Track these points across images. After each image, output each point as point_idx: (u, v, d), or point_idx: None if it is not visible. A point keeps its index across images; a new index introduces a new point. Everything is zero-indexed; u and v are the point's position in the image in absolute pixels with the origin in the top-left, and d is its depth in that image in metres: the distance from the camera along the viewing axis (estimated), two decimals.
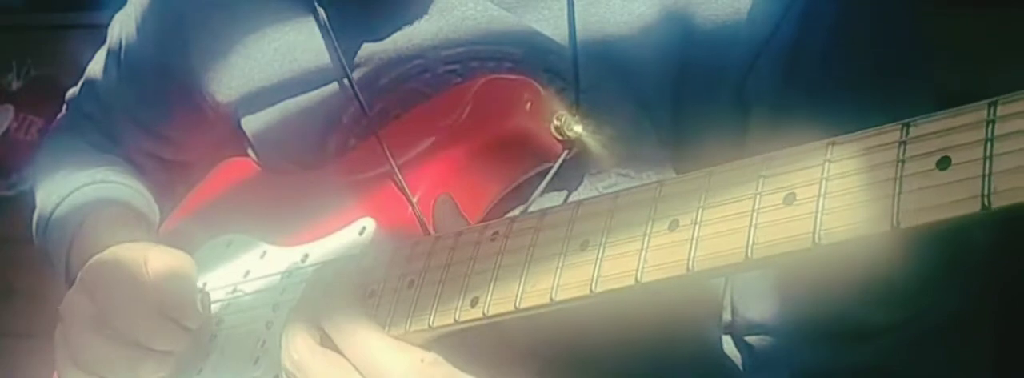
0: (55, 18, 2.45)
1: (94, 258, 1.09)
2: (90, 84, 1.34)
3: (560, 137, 0.94)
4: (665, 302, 0.77)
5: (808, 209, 0.63)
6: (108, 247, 1.12)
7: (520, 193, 0.98)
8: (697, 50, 0.94)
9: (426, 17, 1.02)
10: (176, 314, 1.02)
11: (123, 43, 1.28)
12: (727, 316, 0.98)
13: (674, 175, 0.95)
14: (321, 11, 1.06)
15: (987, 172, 0.56)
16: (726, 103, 0.94)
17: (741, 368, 0.97)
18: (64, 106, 1.38)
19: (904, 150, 0.60)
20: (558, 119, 0.94)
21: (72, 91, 1.37)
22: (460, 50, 1.01)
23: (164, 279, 1.03)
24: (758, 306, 0.95)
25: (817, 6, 0.92)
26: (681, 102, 0.95)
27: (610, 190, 0.94)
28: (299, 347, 0.85)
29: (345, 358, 0.83)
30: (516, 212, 0.98)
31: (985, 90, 0.62)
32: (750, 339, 0.96)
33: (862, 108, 0.92)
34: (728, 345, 0.99)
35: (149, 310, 1.01)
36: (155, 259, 1.05)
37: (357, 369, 0.82)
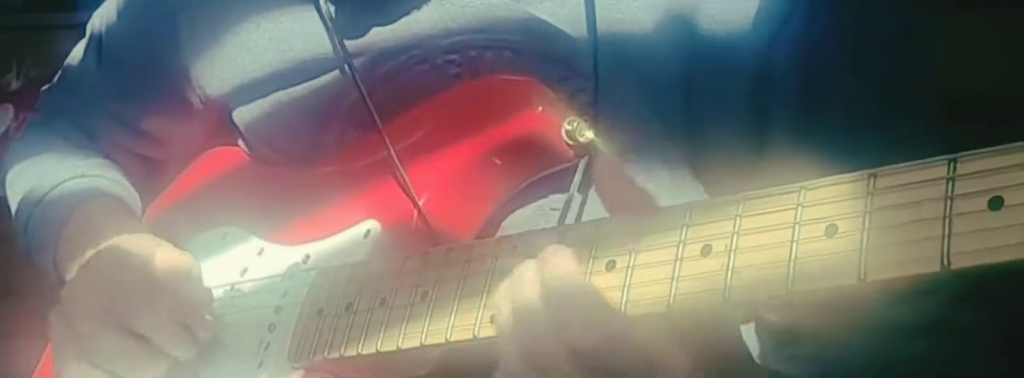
0: (55, 18, 2.40)
1: (98, 249, 1.07)
2: (67, 80, 1.31)
3: (571, 142, 0.93)
4: None
5: (852, 243, 0.63)
6: (99, 239, 1.10)
7: (524, 192, 0.96)
8: (705, 43, 0.93)
9: (426, 7, 1.01)
10: (191, 323, 1.01)
11: (104, 38, 1.25)
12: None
13: (685, 170, 0.95)
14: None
15: None
16: (741, 97, 0.93)
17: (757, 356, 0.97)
18: (38, 102, 1.35)
19: (952, 187, 0.60)
20: (570, 124, 0.93)
21: (47, 86, 1.34)
22: (458, 39, 0.99)
23: (176, 282, 1.02)
24: None
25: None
26: (692, 94, 0.94)
27: None
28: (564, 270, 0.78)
29: None
30: (522, 211, 0.97)
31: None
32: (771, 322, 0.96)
33: (873, 96, 0.93)
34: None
35: (168, 316, 1.01)
36: (162, 258, 1.04)
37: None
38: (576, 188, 0.94)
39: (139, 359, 1.02)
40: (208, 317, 1.02)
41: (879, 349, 0.89)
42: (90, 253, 1.10)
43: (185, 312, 1.01)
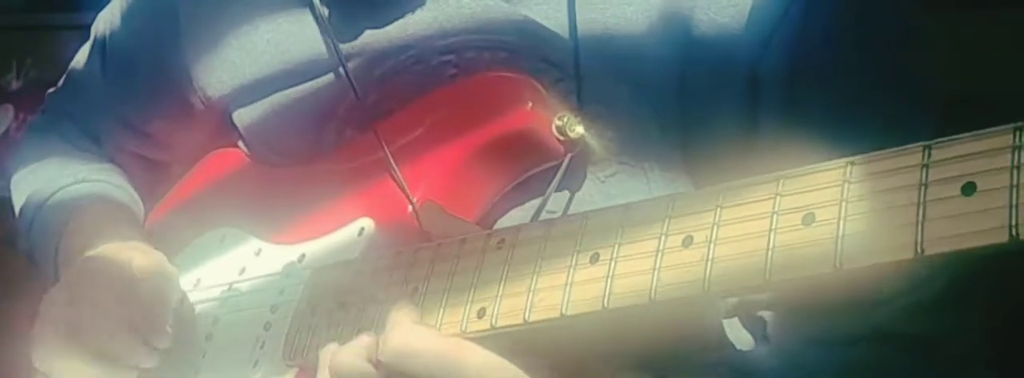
0: (55, 18, 2.42)
1: (80, 259, 1.08)
2: (72, 83, 1.32)
3: (562, 138, 0.93)
4: None
5: (828, 232, 0.62)
6: (96, 245, 1.11)
7: (519, 191, 0.97)
8: (700, 44, 0.94)
9: (422, 7, 1.01)
10: (148, 332, 1.02)
11: (108, 41, 1.26)
12: (733, 298, 0.97)
13: (681, 173, 0.95)
14: (317, 1, 1.04)
15: (1015, 201, 0.55)
16: (737, 97, 0.93)
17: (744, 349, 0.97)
18: (43, 105, 1.36)
19: (927, 174, 0.59)
20: (560, 119, 0.93)
21: (53, 90, 1.35)
22: (454, 40, 1.00)
23: (144, 291, 1.03)
24: None
25: None
26: (688, 95, 0.94)
27: (612, 179, 0.94)
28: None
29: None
30: (516, 211, 0.97)
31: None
32: (760, 313, 0.96)
33: (871, 92, 0.93)
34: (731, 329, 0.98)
35: (121, 326, 1.01)
36: (139, 263, 1.05)
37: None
38: (555, 186, 0.94)
39: (104, 371, 1.02)
40: (168, 329, 1.02)
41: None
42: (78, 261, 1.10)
43: (144, 323, 1.01)
